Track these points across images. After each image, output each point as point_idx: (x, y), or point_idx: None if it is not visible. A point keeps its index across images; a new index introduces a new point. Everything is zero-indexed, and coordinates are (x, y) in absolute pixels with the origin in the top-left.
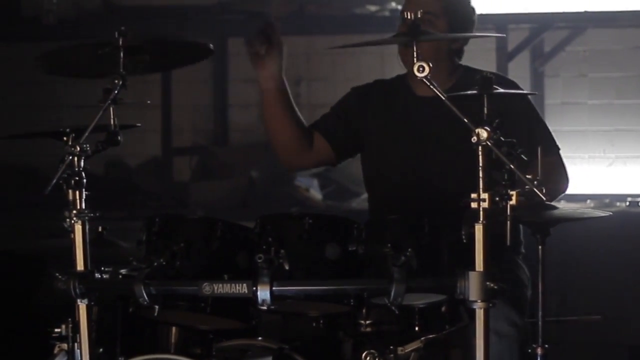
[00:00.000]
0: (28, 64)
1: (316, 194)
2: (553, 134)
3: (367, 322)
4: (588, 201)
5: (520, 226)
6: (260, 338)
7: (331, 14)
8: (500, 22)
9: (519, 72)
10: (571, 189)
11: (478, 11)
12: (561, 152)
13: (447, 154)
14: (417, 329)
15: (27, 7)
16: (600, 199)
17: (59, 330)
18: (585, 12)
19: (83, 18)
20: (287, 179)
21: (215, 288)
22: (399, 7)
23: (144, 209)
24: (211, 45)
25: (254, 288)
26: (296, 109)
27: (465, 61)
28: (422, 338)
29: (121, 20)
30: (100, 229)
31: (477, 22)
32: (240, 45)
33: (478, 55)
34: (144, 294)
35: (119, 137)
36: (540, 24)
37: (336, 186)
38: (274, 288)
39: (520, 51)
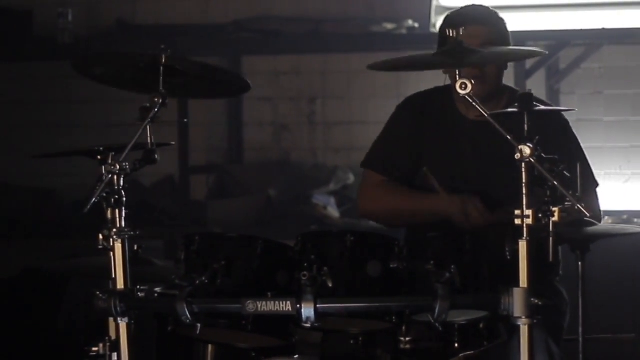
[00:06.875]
0: (42, 83)
1: (334, 211)
2: None
3: (407, 339)
4: (606, 217)
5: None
6: (296, 356)
7: (347, 32)
8: (518, 39)
9: (536, 89)
10: None
11: None
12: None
13: (489, 174)
14: (456, 345)
15: (40, 27)
16: (618, 216)
17: (96, 349)
18: (602, 29)
19: (96, 37)
20: (305, 197)
21: (259, 306)
22: (416, 24)
23: (160, 228)
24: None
25: (298, 306)
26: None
27: None
28: (461, 355)
29: (134, 39)
30: (135, 247)
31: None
32: (255, 63)
33: None
34: (187, 312)
35: (156, 156)
36: (558, 41)
37: (353, 204)
38: (318, 305)
39: (538, 69)
